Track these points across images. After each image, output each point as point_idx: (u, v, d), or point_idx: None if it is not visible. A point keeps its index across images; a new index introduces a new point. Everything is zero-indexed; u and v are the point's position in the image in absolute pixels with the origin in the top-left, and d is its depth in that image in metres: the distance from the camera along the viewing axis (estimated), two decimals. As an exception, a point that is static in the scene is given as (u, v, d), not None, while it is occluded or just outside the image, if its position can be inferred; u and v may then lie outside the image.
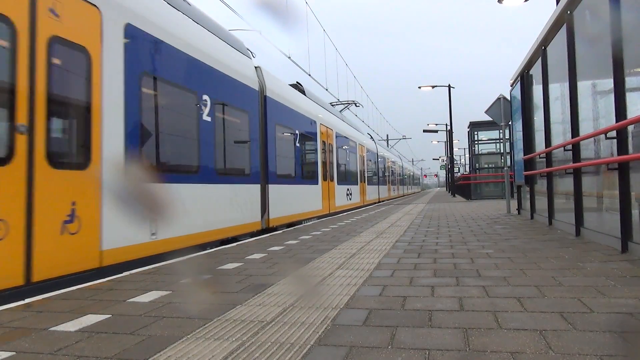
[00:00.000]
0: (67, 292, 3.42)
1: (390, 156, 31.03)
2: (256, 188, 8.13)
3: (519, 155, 9.48)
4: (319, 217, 11.97)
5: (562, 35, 6.00)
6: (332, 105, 17.63)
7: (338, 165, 14.62)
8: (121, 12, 4.83)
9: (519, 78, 8.95)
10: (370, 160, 21.77)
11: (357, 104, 21.10)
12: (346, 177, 15.88)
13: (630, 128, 4.18)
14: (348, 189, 16.04)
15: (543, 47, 7.01)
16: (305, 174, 11.18)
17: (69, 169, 4.13)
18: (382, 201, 24.48)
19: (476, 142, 21.48)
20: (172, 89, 5.77)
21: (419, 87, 27.51)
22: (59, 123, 4.18)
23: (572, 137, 5.58)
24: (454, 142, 29.99)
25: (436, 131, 35.90)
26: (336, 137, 14.55)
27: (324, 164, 12.85)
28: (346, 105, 20.08)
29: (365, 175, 19.98)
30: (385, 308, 2.69)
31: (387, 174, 28.56)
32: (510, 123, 11.18)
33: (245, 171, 7.79)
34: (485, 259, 4.23)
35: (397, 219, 9.56)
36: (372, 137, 24.97)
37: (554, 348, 1.97)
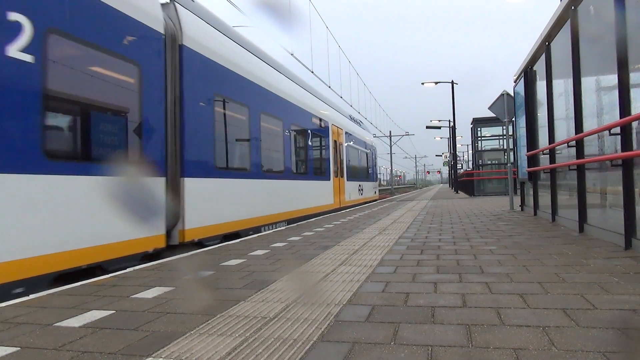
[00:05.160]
0: (71, 288, 3.45)
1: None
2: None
3: (522, 152, 9.45)
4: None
5: (566, 31, 5.96)
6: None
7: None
8: None
9: (522, 74, 8.90)
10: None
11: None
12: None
13: (635, 124, 4.16)
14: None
15: (547, 43, 6.97)
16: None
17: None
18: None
19: (479, 138, 21.39)
20: None
21: (422, 84, 27.48)
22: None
23: (576, 134, 5.56)
24: (457, 138, 29.92)
25: (439, 127, 35.86)
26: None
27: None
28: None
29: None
30: (388, 304, 2.69)
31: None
32: (513, 119, 11.14)
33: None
34: (488, 256, 4.22)
35: (400, 215, 9.55)
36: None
37: (557, 344, 1.97)
